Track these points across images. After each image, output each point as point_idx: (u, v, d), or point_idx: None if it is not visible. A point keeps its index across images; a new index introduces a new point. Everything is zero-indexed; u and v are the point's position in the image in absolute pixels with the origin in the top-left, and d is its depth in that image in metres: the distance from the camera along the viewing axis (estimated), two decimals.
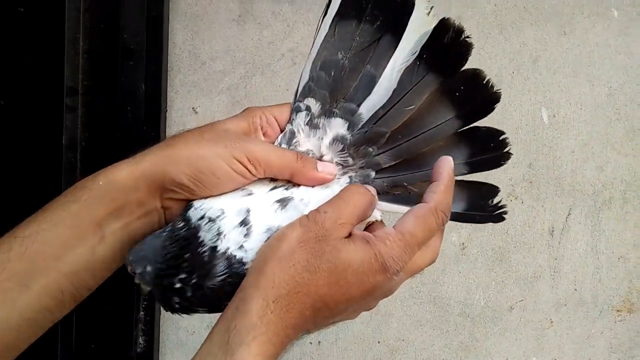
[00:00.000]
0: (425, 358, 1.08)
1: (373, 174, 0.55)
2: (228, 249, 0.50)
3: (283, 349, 0.47)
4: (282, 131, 0.56)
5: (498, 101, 0.54)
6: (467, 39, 0.53)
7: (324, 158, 0.55)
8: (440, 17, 0.54)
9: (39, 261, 0.51)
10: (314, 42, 0.56)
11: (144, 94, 1.01)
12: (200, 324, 1.05)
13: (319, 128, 0.55)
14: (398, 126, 0.55)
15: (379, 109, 0.55)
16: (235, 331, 0.46)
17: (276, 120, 0.56)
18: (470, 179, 0.57)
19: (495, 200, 0.56)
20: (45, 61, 1.00)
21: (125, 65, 1.00)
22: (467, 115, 0.55)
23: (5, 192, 1.01)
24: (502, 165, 0.56)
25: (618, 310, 1.09)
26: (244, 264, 0.50)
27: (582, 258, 1.08)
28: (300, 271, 0.47)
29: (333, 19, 0.56)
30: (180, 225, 0.51)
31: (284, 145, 0.55)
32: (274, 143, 0.56)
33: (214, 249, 0.50)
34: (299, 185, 0.54)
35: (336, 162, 0.55)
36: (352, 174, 0.55)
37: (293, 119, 0.56)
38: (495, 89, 0.54)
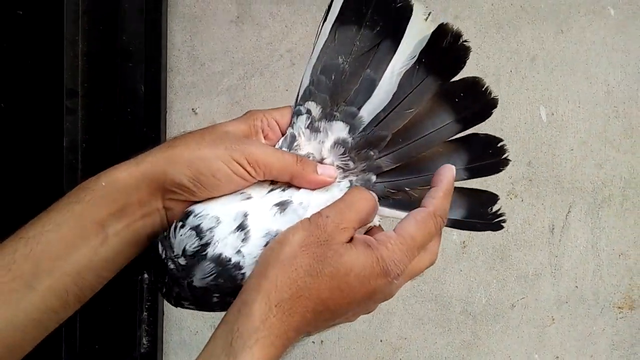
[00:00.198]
0: (428, 356, 1.08)
1: (374, 177, 0.56)
2: (222, 253, 0.50)
3: (284, 351, 0.48)
4: (283, 135, 0.56)
5: (495, 107, 0.56)
6: (465, 43, 0.55)
7: (325, 161, 0.56)
8: (439, 22, 0.55)
9: (44, 262, 0.51)
10: (314, 47, 0.57)
11: (144, 96, 1.01)
12: (203, 324, 1.05)
13: (320, 131, 0.56)
14: (399, 129, 0.56)
15: (379, 112, 0.55)
16: (238, 334, 0.46)
17: (277, 124, 0.56)
18: (471, 187, 0.58)
19: (495, 208, 0.57)
20: (44, 64, 1.00)
21: (125, 67, 1.01)
22: (466, 119, 0.56)
23: (7, 194, 1.01)
24: (500, 171, 0.57)
25: (619, 307, 1.09)
26: (240, 268, 0.50)
27: (582, 255, 1.08)
28: (303, 275, 0.48)
29: (333, 24, 0.57)
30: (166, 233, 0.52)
31: (284, 149, 0.56)
32: (274, 146, 0.56)
33: (203, 251, 0.51)
34: (298, 187, 0.54)
35: (337, 166, 0.56)
36: (353, 177, 0.56)
37: (294, 123, 0.56)
38: (493, 95, 0.56)
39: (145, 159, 0.53)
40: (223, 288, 0.50)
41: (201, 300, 0.51)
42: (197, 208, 0.52)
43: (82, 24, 0.99)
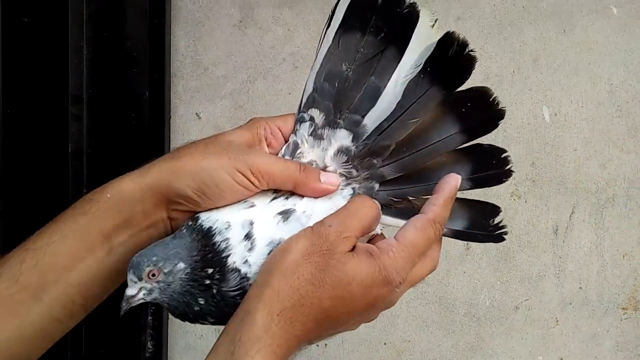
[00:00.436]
0: (432, 359, 1.09)
1: (377, 186, 0.56)
2: (235, 262, 0.51)
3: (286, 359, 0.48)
4: (286, 142, 0.56)
5: (502, 118, 0.55)
6: (470, 53, 0.54)
7: (328, 169, 0.56)
8: (445, 31, 0.54)
9: (50, 273, 0.52)
10: (317, 54, 0.57)
11: (148, 101, 1.02)
12: (207, 328, 1.06)
13: (323, 139, 0.56)
14: (402, 139, 0.55)
15: (383, 121, 0.55)
16: (240, 343, 0.46)
17: (280, 131, 0.56)
18: (473, 198, 0.58)
19: (497, 220, 0.57)
20: (49, 70, 1.01)
21: (129, 73, 1.01)
22: (472, 130, 0.55)
23: (13, 200, 1.02)
24: (503, 182, 0.57)
25: (624, 308, 1.09)
26: (247, 279, 0.50)
27: (586, 256, 1.08)
28: (305, 284, 0.48)
29: (337, 30, 0.56)
30: (189, 232, 0.52)
31: (287, 157, 0.55)
32: (278, 154, 0.56)
33: (227, 260, 0.51)
34: (301, 195, 0.54)
35: (340, 173, 0.55)
36: (356, 185, 0.55)
37: (297, 130, 0.56)
38: (500, 106, 0.55)
39: (149, 170, 0.53)
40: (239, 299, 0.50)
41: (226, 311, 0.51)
42: (204, 216, 0.52)
43: (87, 30, 1.00)
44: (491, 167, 0.57)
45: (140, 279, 0.50)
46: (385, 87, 0.55)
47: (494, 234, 0.57)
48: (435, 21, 0.55)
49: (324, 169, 0.56)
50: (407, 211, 0.56)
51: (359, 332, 1.09)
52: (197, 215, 0.53)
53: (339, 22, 0.56)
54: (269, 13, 1.05)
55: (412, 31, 0.55)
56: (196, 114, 1.06)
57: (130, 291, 0.50)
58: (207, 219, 0.52)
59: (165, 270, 0.50)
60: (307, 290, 0.48)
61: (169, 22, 1.03)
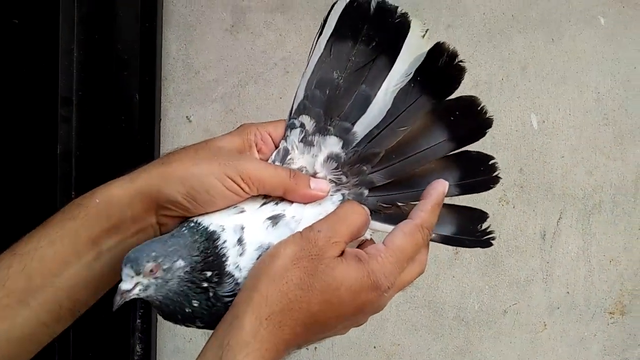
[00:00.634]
0: None
1: (366, 192, 0.56)
2: (229, 266, 0.51)
3: None
4: (276, 148, 0.57)
5: (490, 127, 0.56)
6: (460, 63, 0.55)
7: (318, 175, 0.56)
8: (435, 41, 0.55)
9: (37, 278, 0.52)
10: (309, 61, 0.57)
11: (138, 104, 1.01)
12: (196, 331, 1.05)
13: (314, 145, 0.56)
14: (392, 146, 0.56)
15: (373, 129, 0.55)
16: (228, 347, 0.46)
17: (270, 137, 0.56)
18: (461, 204, 0.58)
19: (484, 226, 0.57)
20: (39, 72, 1.01)
21: (120, 76, 1.01)
22: (460, 138, 0.56)
23: (2, 202, 1.01)
24: (491, 188, 0.57)
25: (611, 313, 1.10)
26: (238, 284, 0.50)
27: (574, 261, 1.09)
28: (293, 289, 0.48)
29: (329, 39, 0.57)
30: (191, 232, 0.51)
31: (277, 163, 0.56)
32: (268, 160, 0.56)
33: (226, 264, 0.51)
34: (291, 201, 0.54)
35: (330, 180, 0.56)
36: (345, 191, 0.56)
37: (287, 136, 0.56)
38: (488, 115, 0.56)
39: (139, 175, 0.53)
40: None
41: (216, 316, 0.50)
42: (204, 219, 0.52)
43: (78, 32, 1.00)
44: (479, 173, 0.57)
45: (138, 274, 0.49)
46: (375, 95, 0.56)
47: (482, 239, 0.58)
48: (426, 31, 0.56)
49: (314, 175, 0.56)
50: (396, 217, 0.56)
51: (349, 336, 1.09)
52: (194, 218, 0.53)
53: (331, 31, 0.57)
54: (260, 18, 1.05)
55: (403, 41, 0.56)
56: (186, 117, 1.06)
57: (125, 285, 0.49)
58: (210, 222, 0.52)
59: (165, 267, 0.49)
60: (296, 295, 0.48)
61: (160, 25, 1.03)
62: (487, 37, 1.06)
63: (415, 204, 0.54)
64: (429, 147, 0.56)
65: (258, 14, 1.05)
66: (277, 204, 0.54)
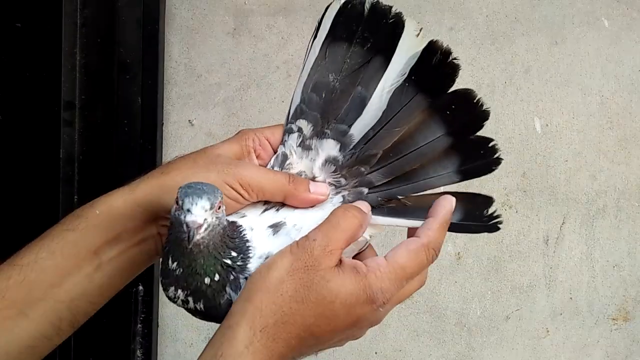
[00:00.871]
0: None
1: (366, 190, 0.56)
2: (252, 257, 0.51)
3: None
4: (275, 152, 0.57)
5: (487, 119, 0.55)
6: (454, 61, 0.55)
7: (317, 179, 0.56)
8: (429, 39, 0.55)
9: (37, 289, 0.52)
10: (304, 65, 0.57)
11: (141, 108, 1.01)
12: (197, 336, 1.05)
13: (311, 149, 0.56)
14: (389, 146, 0.56)
15: (369, 130, 0.55)
16: (222, 358, 0.46)
17: (269, 142, 0.57)
18: (465, 190, 0.58)
19: (490, 211, 0.57)
20: (42, 76, 1.01)
21: (122, 79, 1.01)
22: (457, 132, 0.56)
23: (4, 205, 1.01)
24: (493, 170, 0.57)
25: (614, 319, 1.09)
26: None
27: (577, 267, 1.08)
28: (288, 301, 0.48)
29: (323, 41, 0.57)
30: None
31: (276, 168, 0.56)
32: (267, 165, 0.56)
33: (249, 251, 0.51)
34: (292, 206, 0.54)
35: (329, 183, 0.56)
36: (345, 193, 0.56)
37: (285, 141, 0.56)
38: (485, 107, 0.55)
39: (139, 186, 0.53)
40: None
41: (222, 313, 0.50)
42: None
43: (80, 36, 1.00)
44: (479, 157, 0.57)
45: (211, 208, 0.47)
46: (371, 96, 0.56)
47: (489, 224, 0.57)
48: (420, 30, 0.56)
49: (313, 179, 0.56)
50: (399, 210, 0.56)
51: (350, 342, 1.09)
52: None
53: (325, 33, 0.57)
54: (263, 21, 1.05)
55: (398, 41, 0.56)
56: (189, 121, 1.06)
57: (199, 219, 0.46)
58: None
59: (222, 207, 0.48)
60: (291, 308, 0.48)
61: (162, 29, 1.03)
62: (489, 39, 1.06)
63: (416, 196, 0.54)
64: (427, 143, 0.56)
65: (260, 17, 1.05)
66: (278, 210, 0.54)
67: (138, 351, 1.02)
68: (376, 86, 0.56)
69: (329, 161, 0.56)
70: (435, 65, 0.55)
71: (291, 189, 0.54)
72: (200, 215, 0.46)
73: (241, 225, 0.52)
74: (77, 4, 1.00)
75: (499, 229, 0.57)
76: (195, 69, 1.05)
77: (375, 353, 1.08)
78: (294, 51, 1.05)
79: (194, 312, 0.52)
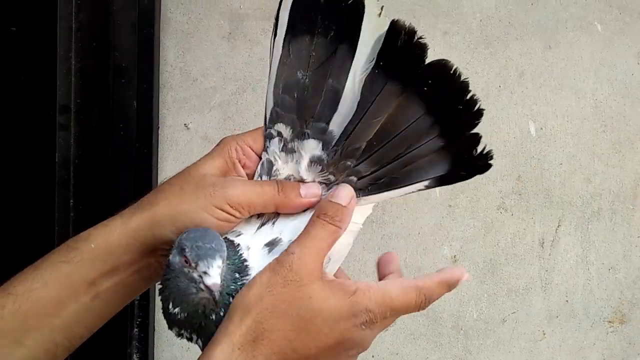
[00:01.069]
0: None
1: (355, 179, 0.54)
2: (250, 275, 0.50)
3: None
4: (260, 158, 0.55)
5: (467, 90, 0.52)
6: (420, 40, 0.52)
7: (306, 181, 0.54)
8: (391, 19, 0.52)
9: (33, 319, 0.52)
10: (270, 66, 0.55)
11: (136, 111, 1.01)
12: None
13: (295, 152, 0.54)
14: (371, 137, 0.54)
15: (347, 125, 0.53)
16: None
17: (252, 149, 0.55)
18: (448, 142, 0.53)
19: (479, 149, 0.53)
20: (37, 80, 1.00)
21: (117, 83, 1.01)
22: (438, 109, 0.53)
23: (0, 209, 1.01)
24: (476, 125, 0.53)
25: (610, 322, 1.09)
26: None
27: (572, 269, 1.09)
28: (268, 317, 0.48)
29: (284, 38, 0.54)
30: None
31: (264, 177, 0.54)
32: (254, 174, 0.55)
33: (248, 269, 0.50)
34: (287, 215, 0.53)
35: (319, 182, 0.54)
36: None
37: (267, 147, 0.55)
38: (463, 78, 0.52)
39: (131, 218, 0.53)
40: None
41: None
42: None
43: (76, 40, 1.00)
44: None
45: (223, 262, 0.47)
46: (343, 88, 0.53)
47: (480, 164, 0.53)
48: (381, 9, 0.53)
49: (302, 181, 0.54)
50: (389, 183, 0.54)
51: None
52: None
53: (284, 29, 0.54)
54: (258, 25, 1.05)
55: (360, 23, 0.53)
56: (184, 124, 1.06)
57: (217, 279, 0.46)
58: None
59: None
60: (271, 324, 0.47)
61: (158, 33, 1.03)
62: (484, 44, 1.06)
63: (406, 171, 0.52)
64: (409, 125, 0.53)
65: (255, 21, 1.05)
66: (273, 224, 0.53)
67: (135, 355, 1.02)
68: (347, 76, 0.53)
69: (314, 161, 0.54)
70: (402, 47, 0.52)
71: (282, 199, 0.53)
72: (217, 275, 0.46)
73: (239, 244, 0.51)
74: (72, 7, 0.99)
75: (490, 165, 0.53)
76: (190, 73, 1.05)
77: (372, 356, 1.08)
78: None
79: (201, 346, 0.51)
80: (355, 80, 0.53)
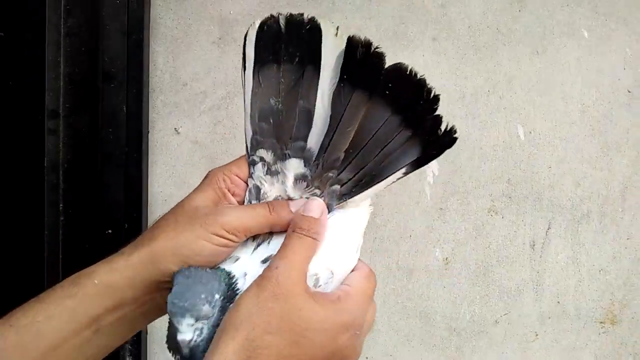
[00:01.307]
0: None
1: (339, 187, 0.57)
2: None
3: None
4: (247, 184, 0.57)
5: (425, 86, 0.56)
6: (377, 50, 0.56)
7: (294, 199, 0.57)
8: (347, 36, 0.56)
9: (34, 351, 0.52)
10: (244, 98, 0.58)
11: (126, 116, 1.01)
12: None
13: (279, 173, 0.57)
14: (347, 146, 0.57)
15: (324, 139, 0.57)
16: None
17: (238, 177, 0.57)
18: (415, 130, 0.57)
19: (443, 127, 0.57)
20: (26, 85, 1.00)
21: (107, 88, 1.01)
22: (403, 108, 0.56)
23: None
24: (435, 109, 0.56)
25: (601, 322, 1.10)
26: None
27: (563, 271, 1.09)
28: (261, 334, 0.48)
29: (253, 69, 0.57)
30: (213, 272, 0.52)
31: (254, 201, 0.57)
32: (244, 201, 0.57)
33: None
34: (281, 233, 0.55)
35: (306, 197, 0.57)
36: (322, 198, 0.57)
37: (252, 173, 0.57)
38: (419, 76, 0.56)
39: (133, 254, 0.53)
40: None
41: None
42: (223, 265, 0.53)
43: (65, 45, 1.00)
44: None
45: (197, 320, 0.49)
46: (314, 107, 0.57)
47: (446, 140, 0.57)
48: (337, 29, 0.57)
49: (291, 199, 0.57)
50: (369, 180, 0.57)
51: None
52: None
53: (252, 62, 0.58)
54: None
55: (321, 45, 0.57)
56: (175, 129, 1.06)
57: (188, 335, 0.49)
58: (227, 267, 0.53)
59: (212, 305, 0.50)
60: (264, 341, 0.47)
61: (147, 38, 1.03)
62: (472, 50, 1.07)
63: (383, 167, 0.55)
64: (379, 128, 0.56)
65: (245, 27, 1.03)
66: (269, 243, 0.55)
67: (127, 358, 1.00)
68: (316, 95, 0.57)
69: (299, 179, 0.57)
70: (361, 58, 0.56)
71: (274, 218, 0.54)
72: (187, 332, 0.49)
73: (234, 276, 0.52)
74: (61, 13, 0.99)
75: (455, 139, 0.56)
76: (180, 78, 1.05)
77: (366, 358, 1.07)
78: None
79: None
80: (324, 97, 0.57)
